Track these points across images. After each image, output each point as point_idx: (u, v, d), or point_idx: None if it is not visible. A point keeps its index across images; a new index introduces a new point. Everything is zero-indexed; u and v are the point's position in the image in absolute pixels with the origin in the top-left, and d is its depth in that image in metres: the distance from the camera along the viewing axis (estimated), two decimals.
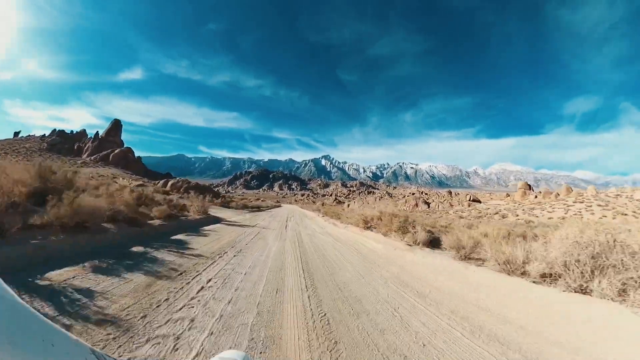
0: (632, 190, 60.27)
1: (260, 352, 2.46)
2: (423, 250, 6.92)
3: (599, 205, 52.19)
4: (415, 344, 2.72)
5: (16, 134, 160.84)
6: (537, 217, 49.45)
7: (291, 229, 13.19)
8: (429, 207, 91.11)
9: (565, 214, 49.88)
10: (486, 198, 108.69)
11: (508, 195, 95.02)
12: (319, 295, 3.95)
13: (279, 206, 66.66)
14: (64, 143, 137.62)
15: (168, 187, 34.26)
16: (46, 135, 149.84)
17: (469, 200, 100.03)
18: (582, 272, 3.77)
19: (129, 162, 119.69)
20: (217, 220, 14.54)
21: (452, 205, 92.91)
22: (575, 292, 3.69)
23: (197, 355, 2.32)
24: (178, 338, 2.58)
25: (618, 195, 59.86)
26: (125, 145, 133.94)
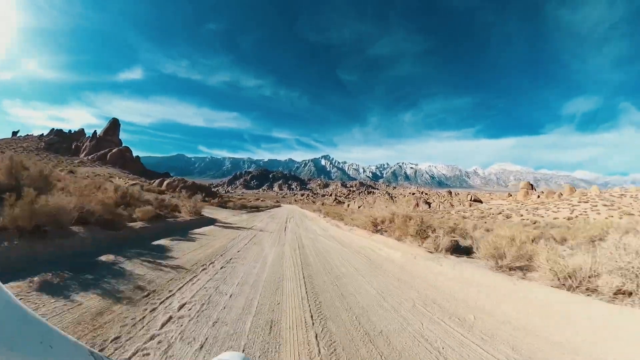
0: (637, 189, 59.27)
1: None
2: (448, 258, 5.82)
3: (605, 205, 51.16)
4: None
5: (14, 133, 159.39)
6: (543, 217, 48.35)
7: (291, 231, 12.07)
8: (430, 207, 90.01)
9: (571, 214, 48.82)
10: (486, 198, 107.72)
11: (510, 195, 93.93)
12: (331, 333, 2.82)
13: (279, 206, 65.56)
14: (61, 142, 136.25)
15: (164, 187, 33.11)
16: (44, 134, 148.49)
17: (470, 200, 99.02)
18: None
19: (126, 161, 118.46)
20: (210, 221, 13.42)
21: (452, 206, 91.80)
22: None
23: None
24: None
25: (622, 195, 58.89)
26: (123, 145, 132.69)
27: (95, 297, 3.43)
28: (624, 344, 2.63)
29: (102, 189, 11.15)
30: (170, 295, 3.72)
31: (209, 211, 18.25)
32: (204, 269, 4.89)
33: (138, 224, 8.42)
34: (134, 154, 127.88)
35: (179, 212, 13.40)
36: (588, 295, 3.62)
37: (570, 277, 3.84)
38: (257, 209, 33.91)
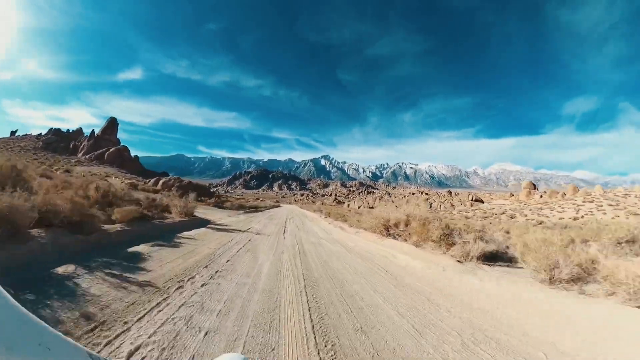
0: None
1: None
2: (482, 269, 4.76)
3: (610, 205, 50.28)
4: None
5: (12, 132, 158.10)
6: (548, 217, 47.38)
7: (290, 234, 10.98)
8: (431, 207, 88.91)
9: (577, 213, 47.87)
10: (487, 198, 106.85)
11: (512, 194, 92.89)
12: None
13: (278, 206, 64.49)
14: (59, 142, 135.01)
15: (159, 186, 32.00)
16: (42, 134, 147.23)
17: (472, 200, 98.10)
18: None
19: (124, 160, 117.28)
20: (203, 223, 12.33)
21: (453, 206, 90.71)
22: None
23: None
24: None
25: (627, 194, 58.01)
26: (121, 144, 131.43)
27: None
28: None
29: (83, 186, 10.07)
30: (124, 331, 2.65)
31: (203, 212, 17.15)
32: (179, 288, 3.81)
33: (116, 227, 7.34)
34: (134, 154, 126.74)
35: (170, 212, 12.34)
36: None
37: None
38: (256, 209, 32.81)
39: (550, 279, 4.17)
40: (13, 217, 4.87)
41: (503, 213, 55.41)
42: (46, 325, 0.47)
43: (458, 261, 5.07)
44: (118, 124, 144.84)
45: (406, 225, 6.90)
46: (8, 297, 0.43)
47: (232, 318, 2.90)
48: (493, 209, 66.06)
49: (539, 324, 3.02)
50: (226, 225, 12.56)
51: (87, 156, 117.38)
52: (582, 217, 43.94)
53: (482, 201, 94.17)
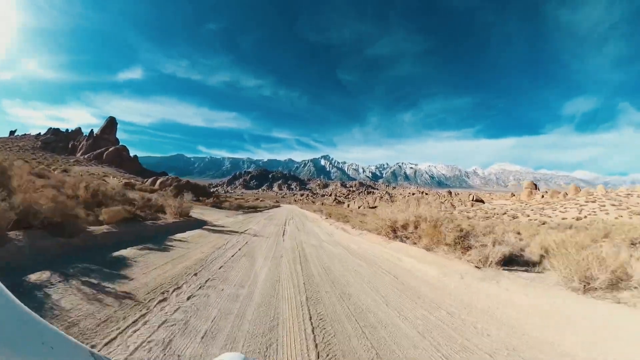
0: None
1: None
2: (503, 275, 4.25)
3: (613, 205, 49.84)
4: None
5: (12, 132, 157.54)
6: (550, 217, 46.90)
7: (290, 236, 10.46)
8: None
9: (579, 213, 47.40)
10: (487, 198, 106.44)
11: (513, 194, 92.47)
12: None
13: (278, 206, 63.98)
14: (58, 141, 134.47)
15: (156, 186, 31.47)
16: (42, 133, 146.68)
17: (472, 200, 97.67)
18: None
19: (123, 160, 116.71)
20: (199, 224, 11.81)
21: (453, 206, 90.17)
22: None
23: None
24: None
25: (629, 194, 57.60)
26: (120, 144, 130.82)
27: None
28: None
29: (73, 185, 9.56)
30: None
31: (200, 212, 16.64)
32: (162, 301, 3.30)
33: (102, 228, 6.83)
34: (134, 154, 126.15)
35: (164, 213, 11.83)
36: None
37: None
38: (255, 209, 32.29)
39: (584, 288, 3.68)
40: None
41: (505, 213, 54.91)
42: (48, 324, 0.46)
43: (476, 267, 4.57)
44: (117, 123, 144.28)
45: (415, 227, 6.39)
46: (10, 295, 0.42)
47: (219, 342, 2.38)
48: (494, 209, 65.53)
49: (580, 341, 2.52)
50: (223, 227, 12.04)
51: (85, 156, 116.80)
52: (585, 217, 43.45)
53: (482, 201, 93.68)
